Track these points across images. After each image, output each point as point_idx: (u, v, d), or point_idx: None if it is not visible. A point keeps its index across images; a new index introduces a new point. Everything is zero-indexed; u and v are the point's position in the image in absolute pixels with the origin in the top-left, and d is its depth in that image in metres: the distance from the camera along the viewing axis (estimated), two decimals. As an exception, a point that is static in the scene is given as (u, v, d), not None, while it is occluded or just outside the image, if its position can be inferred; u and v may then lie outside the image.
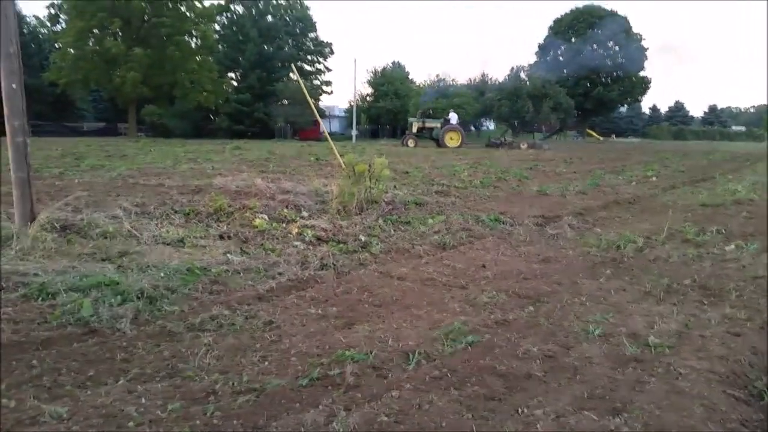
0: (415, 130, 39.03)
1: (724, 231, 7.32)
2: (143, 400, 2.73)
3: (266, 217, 7.35)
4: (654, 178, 15.16)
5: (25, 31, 53.29)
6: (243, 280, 4.81)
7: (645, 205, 10.27)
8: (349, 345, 3.44)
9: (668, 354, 3.49)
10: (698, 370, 3.24)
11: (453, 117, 39.49)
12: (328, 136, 10.86)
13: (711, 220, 8.21)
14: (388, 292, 4.57)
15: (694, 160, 24.71)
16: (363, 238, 6.50)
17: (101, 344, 3.36)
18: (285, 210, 7.88)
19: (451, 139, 36.80)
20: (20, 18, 52.31)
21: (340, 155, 10.17)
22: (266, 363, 3.20)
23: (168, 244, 5.91)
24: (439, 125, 38.67)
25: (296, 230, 6.77)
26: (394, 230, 7.20)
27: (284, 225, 7.13)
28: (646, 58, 60.68)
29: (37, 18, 60.51)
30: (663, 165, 20.37)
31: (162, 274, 4.73)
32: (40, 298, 4.05)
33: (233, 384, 2.92)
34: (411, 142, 36.90)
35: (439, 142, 37.02)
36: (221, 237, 6.42)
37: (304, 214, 7.87)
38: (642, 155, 27.56)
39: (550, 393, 2.95)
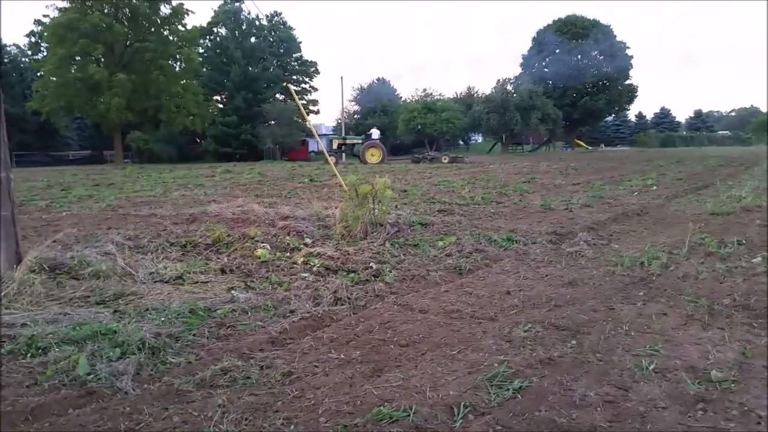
0: (335, 146, 39.15)
1: (744, 242, 7.02)
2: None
3: (268, 246, 6.95)
4: (654, 188, 14.92)
5: (6, 60, 52.66)
6: (252, 321, 4.39)
7: (654, 216, 9.97)
8: (382, 398, 3.04)
9: (737, 391, 3.12)
10: (777, 411, 2.88)
11: (375, 133, 39.69)
12: (329, 158, 10.52)
13: (727, 231, 7.91)
14: (412, 329, 4.17)
15: (689, 166, 24.60)
16: (374, 266, 6.10)
17: (101, 411, 2.93)
18: (287, 237, 7.49)
19: (372, 155, 37.01)
20: (0, 47, 51.83)
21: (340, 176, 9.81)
22: (292, 427, 2.79)
23: (166, 282, 5.50)
24: (360, 141, 38.63)
25: (302, 260, 6.37)
26: (404, 254, 6.82)
27: (288, 254, 6.74)
28: (632, 66, 61.01)
29: (17, 47, 59.96)
30: (659, 173, 20.20)
31: (163, 319, 4.32)
32: (29, 354, 3.63)
33: (258, 457, 2.51)
34: (332, 159, 36.65)
35: (360, 158, 36.89)
36: (222, 271, 6.01)
37: (308, 240, 7.48)
38: (635, 164, 27.45)
39: (621, 449, 2.57)
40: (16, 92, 50.83)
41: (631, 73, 61.86)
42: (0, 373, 3.35)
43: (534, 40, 63.27)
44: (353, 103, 70.17)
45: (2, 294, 4.71)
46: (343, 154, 37.84)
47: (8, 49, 56.93)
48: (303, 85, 67.00)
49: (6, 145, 5.37)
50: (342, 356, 3.69)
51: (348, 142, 39.57)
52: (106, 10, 47.33)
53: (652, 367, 3.43)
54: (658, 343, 3.81)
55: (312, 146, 61.53)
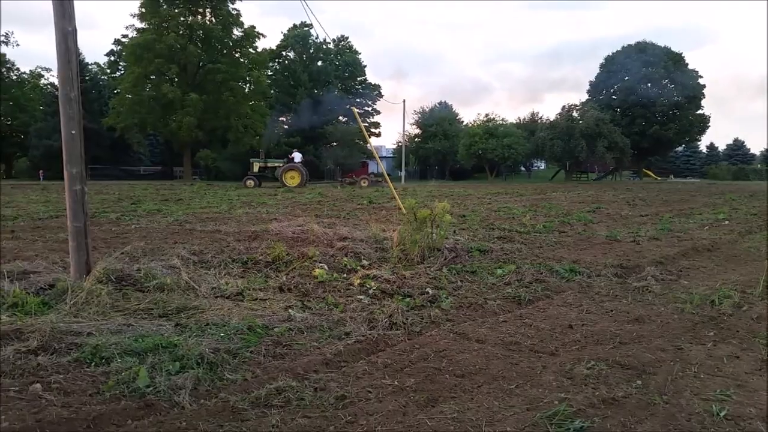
0: (256, 170, 38.81)
1: (824, 284, 6.56)
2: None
3: (326, 266, 7.00)
4: (726, 222, 14.22)
5: (86, 77, 55.81)
6: (307, 341, 4.41)
7: (726, 252, 9.48)
8: (436, 431, 2.96)
9: (819, 447, 2.89)
10: None
11: (297, 156, 39.49)
12: (389, 181, 10.53)
13: (807, 271, 7.42)
14: (469, 359, 4.07)
15: (763, 201, 23.36)
16: (430, 291, 6.04)
17: (158, 424, 2.98)
18: (345, 258, 7.53)
19: (292, 178, 36.87)
20: (82, 65, 55.07)
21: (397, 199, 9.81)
22: (344, 453, 2.75)
23: (227, 298, 5.61)
24: (281, 165, 38.34)
25: (358, 281, 6.37)
26: (461, 281, 6.71)
27: (345, 275, 6.76)
28: (704, 96, 58.77)
29: (98, 65, 63.64)
30: (732, 207, 19.25)
31: (222, 334, 4.38)
32: (94, 363, 3.74)
33: (309, 483, 2.48)
34: (250, 183, 36.53)
35: (280, 181, 36.91)
36: (281, 289, 6.08)
37: (365, 262, 7.49)
38: (706, 197, 26.30)
39: (690, 502, 2.40)
40: (93, 108, 53.72)
41: (703, 102, 59.65)
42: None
43: (602, 66, 61.98)
44: (414, 126, 70.58)
45: (71, 302, 4.90)
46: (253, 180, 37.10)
47: (89, 67, 60.40)
48: (365, 108, 68.04)
49: (83, 159, 5.64)
50: (396, 383, 3.63)
51: (269, 165, 39.53)
52: (181, 32, 49.71)
53: (723, 413, 3.22)
54: (729, 388, 3.59)
55: (372, 168, 62.17)
